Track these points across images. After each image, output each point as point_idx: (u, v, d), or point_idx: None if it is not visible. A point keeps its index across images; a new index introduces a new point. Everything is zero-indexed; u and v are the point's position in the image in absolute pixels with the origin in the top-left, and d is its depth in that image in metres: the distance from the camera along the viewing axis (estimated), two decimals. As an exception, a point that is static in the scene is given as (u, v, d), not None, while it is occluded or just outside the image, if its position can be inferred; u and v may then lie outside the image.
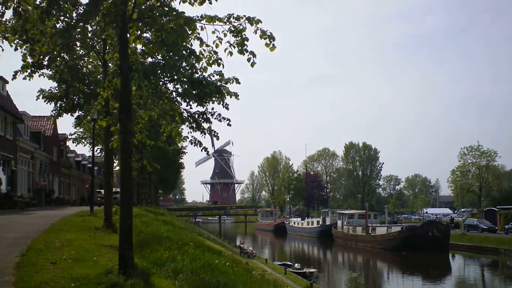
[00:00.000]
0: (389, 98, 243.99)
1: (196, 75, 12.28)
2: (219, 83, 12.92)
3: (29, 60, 11.27)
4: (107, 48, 15.52)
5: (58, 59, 15.91)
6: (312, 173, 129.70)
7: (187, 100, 12.66)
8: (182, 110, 13.15)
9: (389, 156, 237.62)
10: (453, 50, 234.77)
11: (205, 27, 9.36)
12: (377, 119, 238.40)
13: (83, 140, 33.15)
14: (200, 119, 13.24)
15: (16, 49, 10.95)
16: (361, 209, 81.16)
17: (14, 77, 12.92)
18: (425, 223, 57.53)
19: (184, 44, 9.68)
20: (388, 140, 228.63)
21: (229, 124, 13.53)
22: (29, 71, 13.00)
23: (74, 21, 9.19)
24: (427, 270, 40.76)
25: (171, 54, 10.29)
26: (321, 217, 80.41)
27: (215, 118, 13.23)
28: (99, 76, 18.07)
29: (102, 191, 25.49)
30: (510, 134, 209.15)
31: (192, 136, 13.70)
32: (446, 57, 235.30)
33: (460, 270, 42.71)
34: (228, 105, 13.01)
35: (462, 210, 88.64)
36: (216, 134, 14.37)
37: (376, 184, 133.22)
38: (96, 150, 31.65)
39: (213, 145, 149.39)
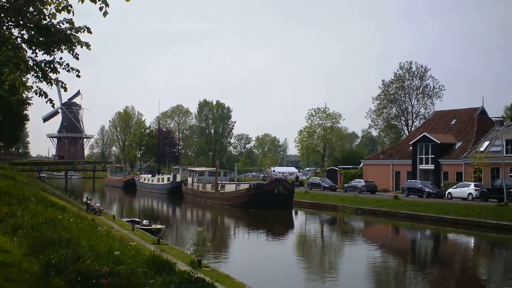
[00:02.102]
0: (241, 58, 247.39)
1: (44, 22, 11.45)
2: (69, 32, 12.15)
3: None
4: None
5: None
6: (164, 129, 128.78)
7: (34, 48, 11.80)
8: (28, 58, 12.24)
9: (242, 115, 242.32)
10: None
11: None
12: (231, 78, 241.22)
13: None
14: (47, 68, 12.42)
15: None
16: (212, 166, 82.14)
17: None
18: (271, 181, 59.65)
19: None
20: (242, 99, 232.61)
21: (78, 75, 12.80)
22: None
23: None
24: (271, 225, 42.52)
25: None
26: (172, 174, 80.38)
27: (63, 68, 12.48)
28: None
29: None
30: (351, 99, 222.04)
31: (37, 87, 12.83)
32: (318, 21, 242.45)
33: (302, 225, 45.03)
34: (78, 55, 12.31)
35: (307, 169, 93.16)
36: (64, 85, 13.54)
37: (228, 142, 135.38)
38: None
39: (60, 97, 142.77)
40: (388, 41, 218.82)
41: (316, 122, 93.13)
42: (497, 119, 60.16)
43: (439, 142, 60.27)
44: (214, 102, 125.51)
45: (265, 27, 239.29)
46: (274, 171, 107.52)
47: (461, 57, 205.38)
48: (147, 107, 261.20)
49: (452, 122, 65.45)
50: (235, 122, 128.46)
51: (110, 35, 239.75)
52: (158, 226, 29.40)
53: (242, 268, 21.29)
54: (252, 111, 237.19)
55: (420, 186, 54.19)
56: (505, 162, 48.73)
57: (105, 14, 9.17)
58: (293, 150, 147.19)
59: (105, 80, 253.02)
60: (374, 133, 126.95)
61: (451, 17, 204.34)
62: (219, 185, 61.42)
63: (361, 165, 73.02)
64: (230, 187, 59.74)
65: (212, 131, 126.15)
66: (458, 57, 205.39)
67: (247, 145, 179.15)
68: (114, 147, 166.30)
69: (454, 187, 51.50)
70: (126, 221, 31.06)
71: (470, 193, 48.24)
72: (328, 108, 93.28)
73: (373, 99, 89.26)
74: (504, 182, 44.36)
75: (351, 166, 77.47)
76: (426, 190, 52.69)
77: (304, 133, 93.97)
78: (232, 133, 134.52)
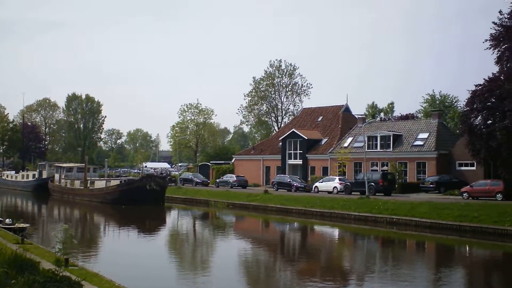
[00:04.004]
0: (102, 52, 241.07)
1: None
2: None
3: None
4: None
5: None
6: (30, 124, 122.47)
7: None
8: None
9: (112, 110, 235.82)
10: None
11: None
12: (101, 70, 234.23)
13: None
14: None
15: None
16: (81, 162, 79.68)
17: None
18: (143, 177, 58.98)
19: None
20: (114, 93, 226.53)
21: None
22: None
23: None
24: (143, 221, 42.07)
25: None
26: (38, 170, 76.84)
27: None
28: None
29: None
30: (224, 95, 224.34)
31: None
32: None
33: (174, 221, 44.98)
34: None
35: (179, 164, 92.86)
36: None
37: (98, 137, 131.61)
38: None
39: None
40: (260, 38, 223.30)
41: (188, 118, 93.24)
42: (360, 116, 63.67)
43: (306, 138, 62.68)
44: (84, 96, 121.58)
45: (135, 20, 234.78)
46: (146, 166, 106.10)
47: (329, 55, 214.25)
48: (7, 100, 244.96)
49: (319, 119, 68.33)
50: (105, 116, 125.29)
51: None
52: (22, 225, 27.97)
53: (112, 266, 20.88)
54: (123, 106, 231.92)
55: (288, 180, 56.06)
56: (366, 157, 51.66)
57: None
58: (165, 145, 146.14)
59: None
60: (246, 129, 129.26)
61: (321, 15, 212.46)
62: (88, 181, 59.68)
63: (233, 161, 74.21)
64: (100, 184, 58.27)
65: (82, 126, 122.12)
66: (325, 55, 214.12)
67: (118, 141, 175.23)
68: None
69: (320, 181, 53.86)
70: (-14, 221, 29.28)
71: (335, 187, 50.70)
72: (201, 104, 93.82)
73: (245, 96, 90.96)
74: (366, 176, 47.07)
75: (223, 162, 78.48)
76: (295, 184, 54.63)
77: (176, 128, 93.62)
78: (103, 128, 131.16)
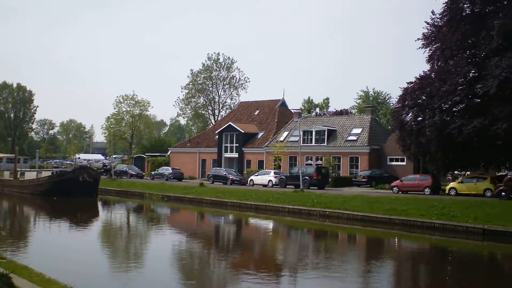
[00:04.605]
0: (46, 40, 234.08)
1: None
2: None
3: None
4: None
5: None
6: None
7: None
8: None
9: (45, 99, 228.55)
10: None
11: None
12: (33, 59, 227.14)
13: None
14: None
15: None
16: (11, 153, 77.35)
17: None
18: (75, 168, 57.81)
19: None
20: (44, 82, 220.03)
21: None
22: None
23: None
24: (76, 214, 41.26)
25: None
26: (-37, 161, 73.95)
27: None
28: None
29: None
30: (161, 87, 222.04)
31: None
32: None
33: (107, 213, 44.28)
34: None
35: (114, 156, 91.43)
36: None
37: (29, 127, 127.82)
38: None
39: None
40: (199, 31, 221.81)
41: (124, 109, 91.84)
42: (296, 111, 64.53)
43: (243, 131, 62.96)
44: (15, 85, 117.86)
45: (68, 7, 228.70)
46: (79, 158, 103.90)
47: (266, 49, 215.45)
48: None
49: (256, 113, 68.75)
50: (37, 106, 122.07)
51: None
52: None
53: (42, 259, 20.48)
54: (57, 96, 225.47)
55: (224, 173, 56.22)
56: (301, 151, 52.45)
57: None
58: (100, 137, 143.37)
59: None
60: (182, 121, 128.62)
61: (260, 10, 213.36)
62: (19, 172, 57.98)
63: (168, 153, 73.69)
64: (30, 175, 56.70)
65: (12, 116, 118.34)
66: (264, 50, 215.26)
67: (51, 131, 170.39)
68: None
69: (256, 174, 54.29)
70: None
71: (270, 180, 51.25)
72: (137, 95, 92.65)
73: (182, 88, 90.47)
74: (300, 170, 47.78)
75: (158, 154, 77.81)
76: (230, 177, 54.86)
77: (111, 119, 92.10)
78: (34, 118, 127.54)
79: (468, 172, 45.53)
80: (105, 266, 21.11)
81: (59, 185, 50.43)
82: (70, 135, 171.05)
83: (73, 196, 48.13)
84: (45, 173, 55.62)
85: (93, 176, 52.92)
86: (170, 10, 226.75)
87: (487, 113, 35.82)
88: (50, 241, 27.85)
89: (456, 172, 46.13)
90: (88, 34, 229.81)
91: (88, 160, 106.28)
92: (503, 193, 36.07)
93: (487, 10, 38.52)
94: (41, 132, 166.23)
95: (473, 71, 38.37)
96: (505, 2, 37.86)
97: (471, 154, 39.11)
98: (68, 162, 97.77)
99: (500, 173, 45.10)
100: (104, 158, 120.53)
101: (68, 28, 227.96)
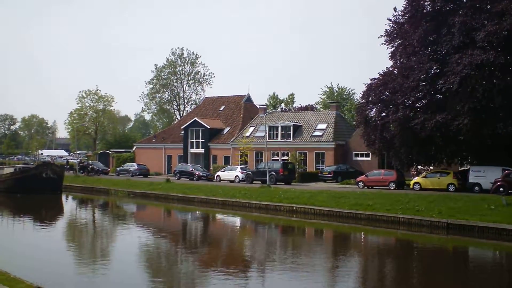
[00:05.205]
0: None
1: None
2: None
3: None
4: None
5: None
6: None
7: None
8: None
9: (5, 94, 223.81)
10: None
11: None
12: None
13: None
14: None
15: None
16: (-30, 149, 75.74)
17: None
18: (39, 165, 56.96)
19: None
20: (4, 76, 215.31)
21: None
22: None
23: None
24: (40, 211, 40.70)
25: None
26: None
27: None
28: None
29: None
30: (125, 81, 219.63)
31: None
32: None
33: (72, 210, 43.74)
34: None
35: (78, 152, 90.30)
36: None
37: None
38: None
39: None
40: (163, 26, 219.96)
41: (87, 104, 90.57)
42: (261, 106, 64.65)
43: (209, 127, 62.86)
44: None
45: (38, 2, 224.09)
46: (42, 154, 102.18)
47: (231, 45, 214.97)
48: None
49: (221, 108, 68.72)
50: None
51: None
52: None
53: (6, 257, 20.21)
54: (18, 90, 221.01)
55: (191, 169, 56.04)
56: (268, 147, 52.66)
57: None
58: (63, 132, 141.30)
59: None
60: (147, 117, 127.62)
61: (225, 6, 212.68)
62: (-20, 169, 56.81)
63: (134, 149, 73.15)
64: (-8, 172, 55.59)
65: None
66: (228, 45, 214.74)
67: (12, 127, 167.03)
68: None
69: (222, 170, 54.33)
70: None
71: (236, 176, 51.34)
72: (100, 90, 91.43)
73: (146, 83, 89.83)
74: (267, 165, 47.98)
75: (123, 150, 77.21)
76: (197, 173, 54.73)
77: (74, 115, 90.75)
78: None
79: (431, 167, 46.31)
80: (72, 264, 20.91)
81: (22, 182, 49.66)
82: (32, 131, 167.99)
83: (37, 193, 47.47)
84: (7, 170, 54.65)
85: (57, 173, 52.24)
86: (134, 4, 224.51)
87: (449, 109, 36.59)
88: (14, 239, 27.44)
89: (419, 167, 46.88)
90: (51, 27, 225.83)
91: (52, 156, 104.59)
92: (501, 189, 35.12)
93: (448, 8, 39.29)
94: (2, 127, 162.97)
95: (435, 68, 39.16)
96: (465, 0, 38.68)
97: (434, 149, 39.84)
98: (30, 158, 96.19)
99: (462, 168, 46.04)
100: (67, 154, 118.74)
101: (30, 21, 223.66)
